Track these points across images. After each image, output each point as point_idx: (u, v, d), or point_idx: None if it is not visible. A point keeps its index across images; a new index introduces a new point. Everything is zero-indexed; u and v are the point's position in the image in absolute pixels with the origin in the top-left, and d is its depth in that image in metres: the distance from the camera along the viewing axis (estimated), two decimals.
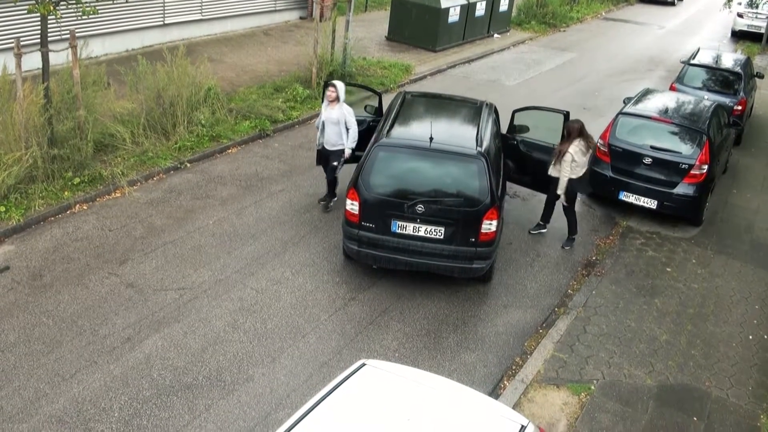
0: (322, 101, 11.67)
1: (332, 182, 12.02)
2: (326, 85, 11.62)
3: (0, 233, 10.27)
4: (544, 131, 12.01)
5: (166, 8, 19.23)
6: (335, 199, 12.15)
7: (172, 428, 7.40)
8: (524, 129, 12.36)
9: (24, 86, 10.90)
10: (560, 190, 11.42)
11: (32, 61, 12.01)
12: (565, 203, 11.62)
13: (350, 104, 11.86)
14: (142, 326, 8.84)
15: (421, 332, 9.38)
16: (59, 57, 12.15)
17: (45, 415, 7.37)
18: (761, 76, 20.06)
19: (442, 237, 9.57)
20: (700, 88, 17.48)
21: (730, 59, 18.94)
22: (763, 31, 30.87)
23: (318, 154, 12.08)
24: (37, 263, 9.84)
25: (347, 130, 11.56)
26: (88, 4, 11.22)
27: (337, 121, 11.43)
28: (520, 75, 22.36)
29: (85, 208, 11.35)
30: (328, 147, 11.69)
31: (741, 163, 16.59)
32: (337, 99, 11.45)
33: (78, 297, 9.24)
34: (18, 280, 9.44)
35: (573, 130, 11.27)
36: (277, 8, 23.66)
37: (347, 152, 11.67)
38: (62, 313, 8.90)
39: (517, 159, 12.18)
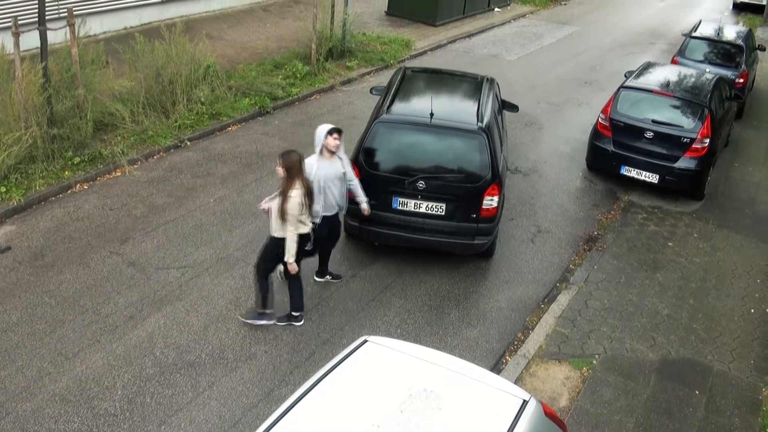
0: (317, 151, 8.65)
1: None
2: (331, 131, 8.59)
3: (1, 213, 10.26)
4: None
5: None
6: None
7: (176, 405, 7.44)
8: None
9: (22, 66, 10.84)
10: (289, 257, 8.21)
11: (30, 40, 11.92)
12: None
13: None
14: (144, 305, 8.85)
15: (423, 308, 9.39)
16: (57, 36, 12.05)
17: (48, 393, 7.41)
18: (763, 49, 19.93)
19: (443, 213, 9.55)
20: (701, 61, 17.39)
21: (731, 32, 18.80)
22: (764, 3, 30.61)
23: (314, 234, 8.51)
24: (39, 243, 9.84)
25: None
26: None
27: (342, 176, 8.87)
28: (521, 49, 22.22)
29: (85, 187, 11.33)
30: (327, 213, 8.90)
31: (743, 137, 16.52)
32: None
33: (80, 276, 9.25)
34: (20, 260, 9.44)
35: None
36: None
37: (366, 207, 9.29)
38: (64, 293, 8.91)
39: None
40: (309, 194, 8.09)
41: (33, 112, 11.08)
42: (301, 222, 8.04)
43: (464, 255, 10.28)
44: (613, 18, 28.70)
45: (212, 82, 14.62)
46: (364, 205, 9.24)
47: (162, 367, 7.91)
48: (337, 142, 8.63)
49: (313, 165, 8.60)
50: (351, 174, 9.06)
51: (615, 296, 9.96)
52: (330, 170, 8.71)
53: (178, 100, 13.66)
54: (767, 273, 10.87)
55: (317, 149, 8.68)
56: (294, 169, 7.93)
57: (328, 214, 8.92)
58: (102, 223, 10.43)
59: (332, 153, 8.69)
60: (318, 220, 8.74)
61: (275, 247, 8.24)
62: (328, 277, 9.69)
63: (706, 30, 18.75)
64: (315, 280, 9.65)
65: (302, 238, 8.22)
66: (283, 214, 7.90)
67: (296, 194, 7.86)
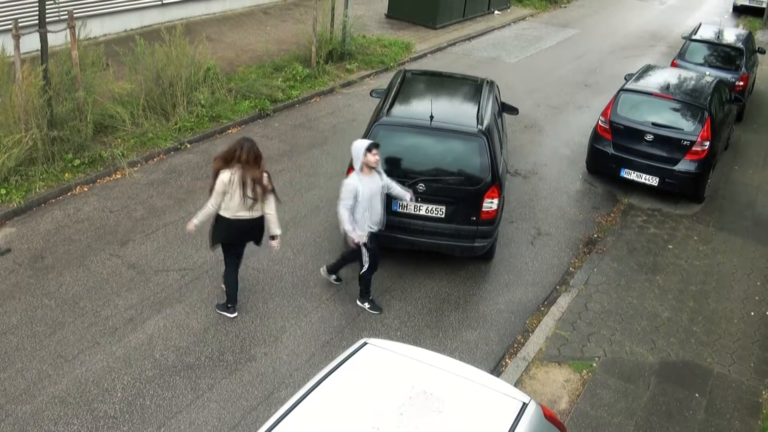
0: (358, 169, 8.50)
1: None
2: (369, 147, 8.43)
3: (1, 216, 10.26)
4: None
5: None
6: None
7: (175, 407, 7.43)
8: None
9: (23, 68, 10.84)
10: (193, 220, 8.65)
11: (31, 42, 11.93)
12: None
13: None
14: (144, 307, 8.85)
15: (422, 311, 9.39)
16: (58, 38, 12.07)
17: (48, 396, 7.40)
18: (763, 52, 19.94)
19: (443, 216, 9.55)
20: (701, 64, 17.40)
21: (731, 34, 18.81)
22: (764, 5, 30.64)
23: (369, 252, 8.87)
24: (39, 245, 9.84)
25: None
26: None
27: (382, 189, 8.76)
28: (521, 52, 22.23)
29: (85, 189, 11.33)
30: (373, 229, 8.85)
31: (743, 140, 16.53)
32: None
33: (80, 278, 9.25)
34: (20, 262, 9.44)
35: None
36: None
37: (410, 197, 9.14)
38: (64, 295, 8.91)
39: None
40: (250, 188, 8.24)
41: (33, 114, 11.08)
42: (228, 207, 8.32)
43: (464, 258, 10.29)
44: (613, 21, 28.72)
45: (212, 85, 14.63)
46: (410, 195, 9.09)
47: (162, 370, 7.91)
48: (377, 157, 8.47)
49: (357, 185, 8.46)
50: (389, 183, 8.88)
51: (615, 299, 9.95)
52: (373, 186, 8.59)
53: (178, 102, 13.66)
54: (767, 276, 10.87)
55: (357, 167, 8.52)
56: (229, 155, 8.27)
57: (375, 229, 8.83)
58: (102, 226, 10.43)
59: (372, 168, 8.56)
60: (370, 231, 8.75)
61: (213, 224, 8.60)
62: (333, 276, 9.67)
63: (706, 33, 18.76)
64: (321, 272, 9.67)
65: (229, 228, 8.49)
66: (210, 188, 8.38)
67: (223, 173, 8.22)
